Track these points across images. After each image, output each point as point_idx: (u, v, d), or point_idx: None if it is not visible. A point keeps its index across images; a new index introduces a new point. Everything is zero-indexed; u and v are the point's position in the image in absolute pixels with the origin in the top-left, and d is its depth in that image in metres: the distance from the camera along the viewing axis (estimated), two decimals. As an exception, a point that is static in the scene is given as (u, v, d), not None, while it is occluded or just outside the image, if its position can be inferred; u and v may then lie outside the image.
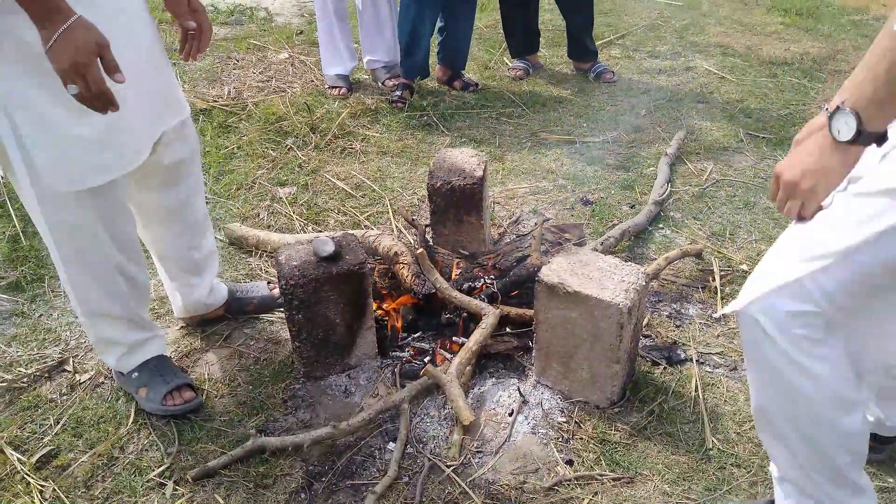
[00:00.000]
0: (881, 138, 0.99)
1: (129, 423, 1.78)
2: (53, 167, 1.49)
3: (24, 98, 1.42)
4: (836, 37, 4.56)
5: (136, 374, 1.83)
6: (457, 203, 2.19)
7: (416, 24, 3.47)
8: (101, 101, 1.34)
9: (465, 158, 2.26)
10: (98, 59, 1.31)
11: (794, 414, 1.25)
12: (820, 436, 1.25)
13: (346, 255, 1.86)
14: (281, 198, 2.78)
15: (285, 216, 2.68)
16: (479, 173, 2.19)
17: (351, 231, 2.29)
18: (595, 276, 1.74)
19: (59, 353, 2.02)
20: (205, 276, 2.04)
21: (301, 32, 4.70)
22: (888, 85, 0.94)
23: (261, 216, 2.68)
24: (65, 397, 1.87)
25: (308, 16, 5.21)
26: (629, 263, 1.79)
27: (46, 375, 1.95)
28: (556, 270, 1.77)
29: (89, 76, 1.30)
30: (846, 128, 0.99)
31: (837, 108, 0.99)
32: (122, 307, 1.76)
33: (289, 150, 3.14)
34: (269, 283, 2.27)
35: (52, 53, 1.28)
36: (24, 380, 1.92)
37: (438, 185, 2.17)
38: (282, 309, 2.21)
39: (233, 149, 3.13)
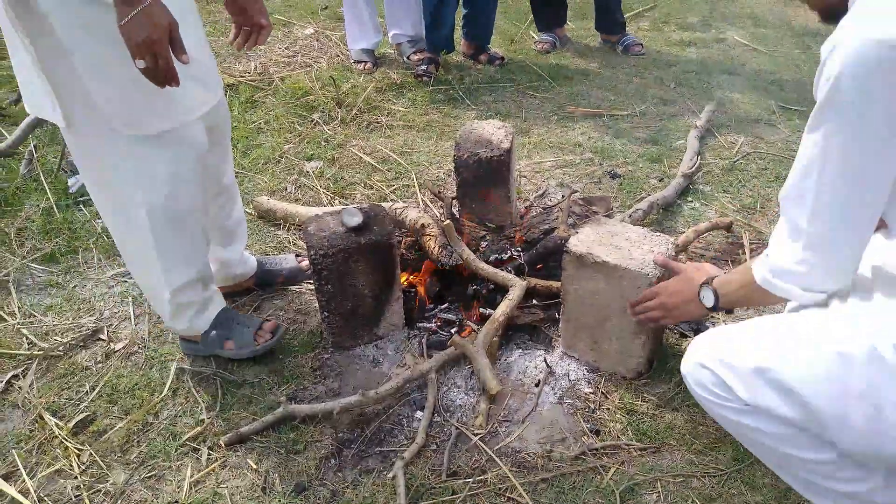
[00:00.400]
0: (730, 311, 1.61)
1: (165, 391, 1.82)
2: (118, 112, 1.52)
3: (84, 41, 1.44)
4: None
5: (213, 332, 1.89)
6: (484, 175, 2.18)
7: (441, 0, 3.43)
8: (166, 77, 1.40)
9: (492, 130, 2.25)
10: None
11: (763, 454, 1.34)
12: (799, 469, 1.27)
13: (374, 226, 1.87)
14: (308, 172, 2.79)
15: (312, 190, 2.69)
16: (507, 145, 2.18)
17: (378, 203, 2.29)
18: (624, 245, 1.73)
19: (94, 322, 2.07)
20: (235, 246, 2.07)
21: (326, 7, 4.69)
22: (739, 299, 1.39)
23: (288, 190, 2.69)
24: (100, 365, 1.92)
25: (332, -9, 5.19)
26: (658, 233, 1.77)
27: (82, 344, 1.99)
28: (583, 241, 1.76)
29: (160, 53, 1.36)
30: (708, 298, 1.44)
31: (706, 283, 1.43)
32: (202, 262, 1.81)
33: (315, 124, 3.14)
34: (297, 255, 2.29)
35: (127, 28, 1.34)
36: (60, 348, 1.97)
37: (465, 157, 2.16)
38: (310, 280, 2.24)
39: (260, 124, 3.15)
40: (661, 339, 1.88)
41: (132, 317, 2.09)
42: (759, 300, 1.37)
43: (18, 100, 3.13)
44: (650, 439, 1.65)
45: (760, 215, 2.42)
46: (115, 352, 1.96)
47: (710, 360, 1.28)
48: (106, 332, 2.03)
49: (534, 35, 4.13)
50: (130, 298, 2.15)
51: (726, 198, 2.52)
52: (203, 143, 1.68)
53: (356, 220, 1.85)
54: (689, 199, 2.51)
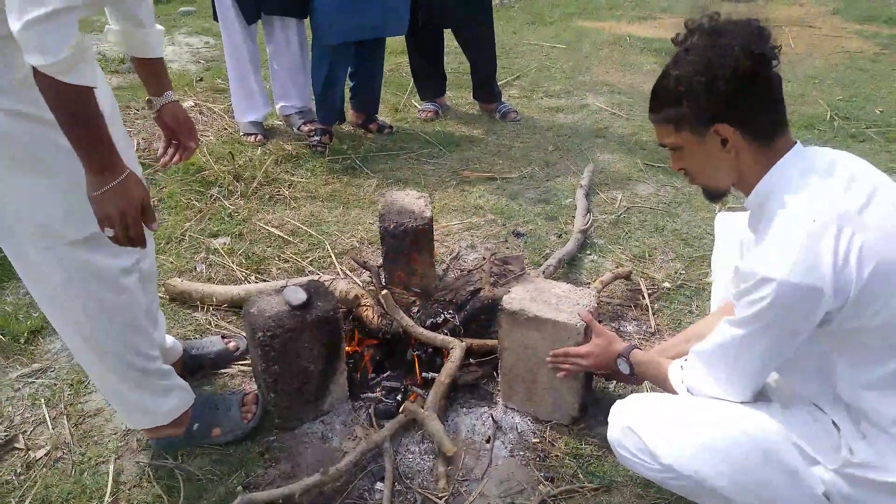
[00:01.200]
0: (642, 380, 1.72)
1: (107, 497, 1.70)
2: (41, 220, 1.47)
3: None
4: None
5: (195, 424, 1.83)
6: (409, 243, 2.28)
7: (331, 72, 3.55)
8: (134, 243, 1.41)
9: (412, 200, 2.37)
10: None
11: None
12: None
13: (319, 302, 1.90)
14: (217, 249, 2.74)
15: (224, 267, 2.64)
16: (429, 214, 2.30)
17: (301, 278, 2.31)
18: (552, 301, 1.89)
19: (5, 430, 1.89)
20: (158, 330, 2.00)
21: (201, 80, 4.64)
22: (650, 379, 1.66)
23: (199, 269, 2.62)
24: (22, 478, 1.75)
25: (204, 62, 5.16)
26: (581, 288, 1.96)
27: (-5, 456, 1.81)
28: (516, 298, 1.90)
29: (132, 226, 1.37)
30: (623, 367, 1.70)
31: (622, 356, 1.69)
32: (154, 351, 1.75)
33: (214, 199, 3.09)
34: (223, 336, 2.24)
35: (100, 199, 1.34)
36: (-33, 464, 1.78)
37: (391, 227, 2.26)
38: (239, 362, 2.19)
39: (154, 202, 3.04)
40: (591, 385, 2.06)
41: (48, 420, 1.93)
42: (668, 389, 1.56)
43: None
44: (600, 479, 1.79)
45: (650, 262, 2.71)
46: (36, 460, 1.80)
47: (636, 425, 1.46)
48: (22, 439, 1.86)
49: (416, 104, 4.35)
50: (43, 400, 1.99)
51: (618, 249, 2.80)
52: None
53: (301, 297, 1.86)
54: (588, 252, 2.77)
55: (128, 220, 1.37)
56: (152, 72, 1.74)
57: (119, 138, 1.64)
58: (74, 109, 1.27)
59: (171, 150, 1.81)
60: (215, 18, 3.59)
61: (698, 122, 1.33)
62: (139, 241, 1.42)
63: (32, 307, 2.35)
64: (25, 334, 2.20)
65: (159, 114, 1.76)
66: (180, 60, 5.07)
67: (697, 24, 1.34)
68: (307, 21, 3.55)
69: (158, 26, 1.71)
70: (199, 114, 3.99)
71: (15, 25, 1.16)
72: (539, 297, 1.91)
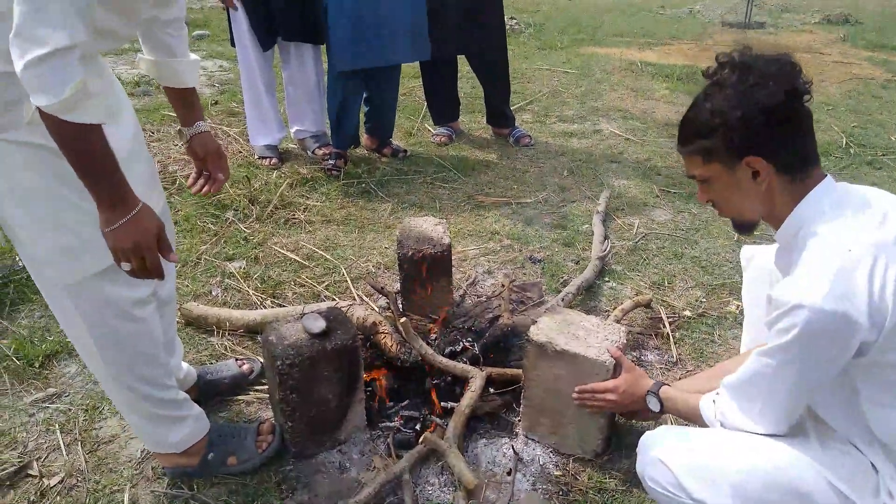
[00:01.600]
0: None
1: (121, 526, 1.67)
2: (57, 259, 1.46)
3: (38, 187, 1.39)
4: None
5: (210, 454, 1.81)
6: (428, 270, 2.26)
7: (346, 98, 3.57)
8: (151, 275, 1.38)
9: (431, 227, 2.35)
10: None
11: None
12: None
13: (338, 330, 1.87)
14: (232, 273, 2.72)
15: (240, 291, 2.63)
16: (447, 240, 2.28)
17: (317, 303, 2.29)
18: (580, 334, 1.86)
19: (19, 456, 1.86)
20: (175, 356, 1.98)
21: (216, 103, 4.67)
22: (680, 415, 1.63)
23: (214, 293, 2.61)
24: (36, 506, 1.72)
25: (219, 85, 5.20)
26: (609, 322, 1.93)
27: (9, 483, 1.78)
28: (543, 330, 1.87)
29: (148, 258, 1.35)
30: (654, 404, 1.68)
31: (652, 392, 1.68)
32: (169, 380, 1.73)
33: (230, 223, 3.09)
34: (237, 359, 2.21)
35: (112, 236, 1.32)
36: (-20, 492, 1.75)
37: (410, 253, 2.24)
38: (255, 387, 2.17)
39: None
40: (615, 418, 2.02)
41: (62, 446, 1.90)
42: (699, 424, 1.53)
43: None
44: (625, 515, 1.74)
45: (669, 290, 2.68)
46: (50, 488, 1.77)
47: (667, 458, 1.42)
48: (36, 466, 1.83)
49: (430, 128, 4.36)
50: (57, 426, 1.96)
51: (636, 276, 2.78)
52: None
53: (320, 325, 1.84)
54: (606, 279, 2.74)
55: (143, 254, 1.34)
56: (184, 101, 1.75)
57: (142, 160, 1.63)
58: (81, 147, 1.26)
59: (200, 181, 1.81)
60: (232, 44, 3.62)
61: (730, 155, 1.33)
62: (157, 274, 1.39)
63: (48, 330, 2.33)
64: (40, 358, 2.18)
65: (189, 144, 1.76)
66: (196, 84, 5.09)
67: (729, 57, 1.35)
68: (323, 46, 3.57)
69: (193, 56, 1.71)
70: (215, 137, 4.00)
71: (17, 65, 1.15)
72: (567, 330, 1.88)
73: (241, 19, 3.45)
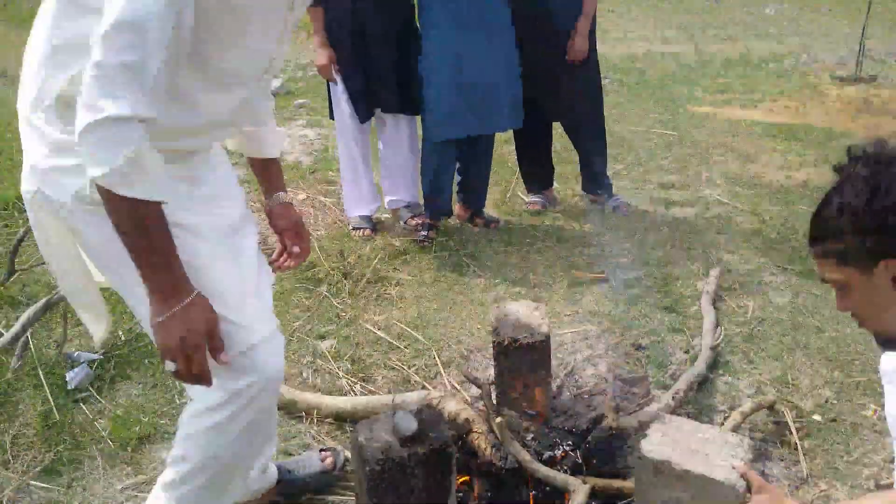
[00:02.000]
0: None
1: None
2: None
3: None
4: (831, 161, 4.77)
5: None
6: (525, 360, 2.12)
7: (440, 167, 3.55)
8: (197, 380, 1.28)
9: (528, 312, 2.21)
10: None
11: None
12: None
13: (430, 432, 1.75)
14: (323, 353, 2.68)
15: (329, 373, 2.57)
16: (546, 329, 2.14)
17: (409, 394, 2.19)
18: (699, 449, 1.66)
19: (107, 550, 1.83)
20: (264, 455, 1.90)
21: (314, 171, 4.78)
22: None
23: (304, 375, 2.57)
24: None
25: (315, 153, 5.33)
26: (730, 433, 1.72)
27: (95, 581, 1.75)
28: (656, 445, 1.68)
29: (195, 358, 1.24)
30: None
31: None
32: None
33: (323, 298, 3.07)
34: (321, 450, 2.12)
35: (159, 329, 1.22)
36: (68, 586, 1.72)
37: (506, 343, 2.11)
38: (342, 488, 2.07)
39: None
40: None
41: (149, 540, 1.86)
42: None
43: (7, 278, 2.98)
44: None
45: (794, 389, 2.40)
46: (135, 589, 1.72)
47: None
48: (124, 562, 1.79)
49: (522, 196, 4.26)
50: (145, 517, 1.93)
51: (754, 369, 2.52)
52: None
53: (412, 427, 1.73)
54: (720, 371, 2.50)
55: (189, 353, 1.22)
56: (265, 171, 1.71)
57: (236, 194, 1.59)
58: (132, 225, 1.18)
59: (284, 256, 1.77)
60: (331, 116, 3.69)
61: (864, 258, 1.19)
62: (204, 379, 1.27)
63: (143, 410, 2.35)
64: (133, 441, 2.18)
65: (270, 216, 1.73)
66: (295, 152, 5.26)
67: (861, 150, 1.23)
68: (418, 116, 3.59)
69: (279, 128, 1.69)
70: (312, 207, 4.08)
71: (76, 135, 1.12)
72: (682, 443, 1.68)
73: (339, 91, 3.53)
